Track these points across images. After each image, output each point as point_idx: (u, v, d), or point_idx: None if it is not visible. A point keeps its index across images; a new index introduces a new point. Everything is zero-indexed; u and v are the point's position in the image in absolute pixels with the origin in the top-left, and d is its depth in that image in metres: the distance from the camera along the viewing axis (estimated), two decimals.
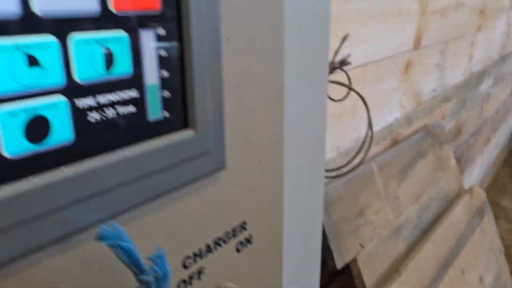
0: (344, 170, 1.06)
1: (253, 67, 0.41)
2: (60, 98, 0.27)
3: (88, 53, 0.28)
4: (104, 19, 0.28)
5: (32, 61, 0.25)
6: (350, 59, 0.97)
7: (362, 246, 1.37)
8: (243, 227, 0.45)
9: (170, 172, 0.34)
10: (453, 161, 2.09)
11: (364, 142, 1.01)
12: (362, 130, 1.47)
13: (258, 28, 0.41)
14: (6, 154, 0.25)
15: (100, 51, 0.28)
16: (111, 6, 0.28)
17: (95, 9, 0.27)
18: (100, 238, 0.28)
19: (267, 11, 0.41)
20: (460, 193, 2.10)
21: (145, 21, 0.30)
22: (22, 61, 0.25)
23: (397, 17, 1.46)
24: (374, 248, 1.40)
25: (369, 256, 1.37)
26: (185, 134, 0.35)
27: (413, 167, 1.74)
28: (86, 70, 0.28)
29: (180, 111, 0.34)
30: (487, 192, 2.57)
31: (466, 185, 2.34)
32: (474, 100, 2.71)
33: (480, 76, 2.70)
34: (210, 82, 0.35)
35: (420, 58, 1.75)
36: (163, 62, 0.32)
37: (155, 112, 0.33)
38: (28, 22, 0.25)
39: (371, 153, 1.57)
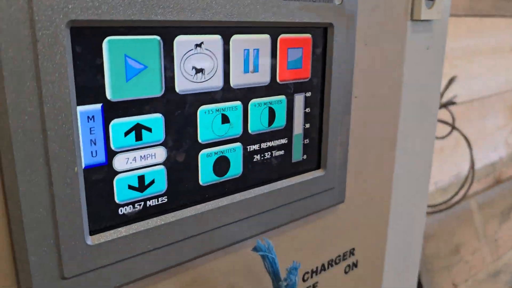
0: (442, 206, 1.12)
1: (373, 118, 0.51)
2: (238, 144, 0.39)
3: (259, 112, 0.39)
4: (272, 87, 0.40)
5: (225, 119, 0.37)
6: (455, 100, 1.03)
7: (455, 286, 1.39)
8: (352, 252, 0.55)
9: (304, 202, 0.45)
10: None
11: (465, 181, 1.06)
12: (462, 166, 1.50)
13: (380, 86, 0.51)
14: (201, 183, 0.37)
15: (267, 111, 0.40)
16: (278, 78, 0.40)
17: (267, 80, 0.39)
18: (256, 249, 0.39)
19: (389, 72, 0.51)
20: None
21: (298, 87, 0.42)
22: (220, 119, 0.37)
23: (508, 51, 1.48)
24: None
25: None
26: (317, 173, 0.45)
27: None
28: (256, 124, 0.39)
29: (315, 155, 0.45)
30: None
31: None
32: None
33: None
34: (340, 132, 0.45)
35: None
36: (307, 117, 0.43)
37: (297, 155, 0.44)
38: (226, 92, 0.37)
39: (471, 190, 1.59)
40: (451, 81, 0.92)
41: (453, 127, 0.97)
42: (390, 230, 0.59)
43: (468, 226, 1.53)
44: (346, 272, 0.55)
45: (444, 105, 0.98)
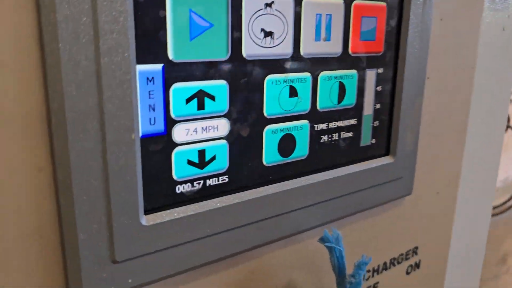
0: (494, 211, 1.05)
1: (444, 102, 0.46)
2: (305, 122, 0.35)
3: (329, 87, 0.35)
4: (343, 59, 0.35)
5: (293, 92, 0.33)
6: None
7: None
8: (415, 251, 0.50)
9: (371, 191, 0.40)
10: None
11: None
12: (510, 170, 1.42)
13: (453, 67, 0.46)
14: (264, 163, 0.33)
15: (337, 86, 0.36)
16: (350, 49, 0.35)
17: (339, 51, 0.35)
18: (323, 240, 0.35)
19: (463, 52, 0.46)
20: None
21: (370, 61, 0.37)
22: (287, 91, 0.33)
23: None
24: None
25: None
26: (387, 159, 0.41)
27: None
28: (325, 101, 0.35)
29: (384, 140, 0.41)
30: None
31: None
32: None
33: None
34: (412, 115, 0.41)
35: None
36: (377, 96, 0.39)
37: (366, 138, 0.39)
38: (295, 61, 0.32)
39: None
40: None
41: (508, 126, 0.91)
42: (455, 229, 0.54)
43: None
44: (408, 273, 0.51)
45: None
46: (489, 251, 1.36)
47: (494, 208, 1.03)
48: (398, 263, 0.49)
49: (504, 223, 1.40)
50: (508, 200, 1.00)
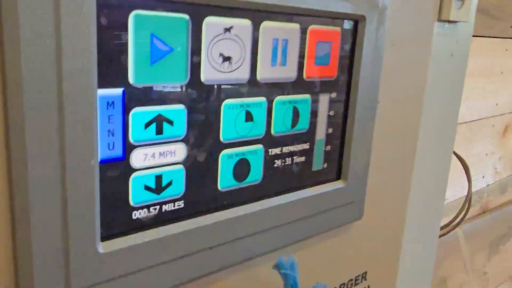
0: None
1: (394, 127, 0.50)
2: (260, 147, 0.37)
3: (283, 112, 0.37)
4: (298, 84, 0.38)
5: (249, 117, 0.35)
6: None
7: None
8: (364, 277, 0.53)
9: (323, 216, 0.43)
10: None
11: (462, 208, 1.06)
12: (449, 193, 1.51)
13: (403, 92, 0.50)
14: (220, 188, 0.35)
15: (291, 111, 0.38)
16: (304, 74, 0.38)
17: (294, 75, 0.37)
18: (278, 267, 0.37)
19: (413, 77, 0.50)
20: None
21: (324, 86, 0.40)
22: (243, 116, 0.35)
23: (499, 76, 1.52)
24: None
25: None
26: (338, 184, 0.44)
27: (507, 242, 1.75)
28: (279, 125, 0.38)
29: (336, 164, 0.43)
30: None
31: None
32: None
33: None
34: (363, 140, 0.44)
35: None
36: (330, 121, 0.42)
37: (318, 163, 0.42)
38: (251, 86, 0.35)
39: (457, 219, 1.60)
40: None
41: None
42: (403, 253, 0.58)
43: (455, 257, 1.54)
44: None
45: None
46: None
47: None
48: None
49: (443, 244, 1.48)
50: (448, 223, 1.06)
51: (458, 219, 1.09)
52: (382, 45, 0.43)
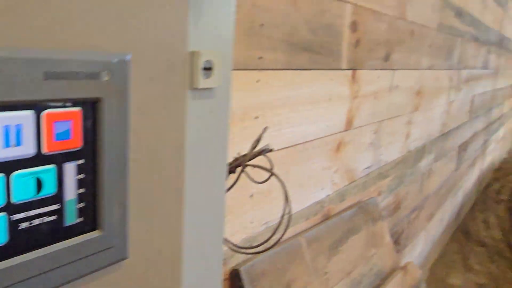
0: (272, 243, 1.22)
1: (156, 177, 0.57)
2: (3, 214, 0.42)
3: (24, 182, 0.43)
4: (38, 158, 0.44)
5: None
6: (271, 147, 1.15)
7: None
8: None
9: (80, 263, 0.49)
10: (387, 237, 2.29)
11: (282, 218, 1.17)
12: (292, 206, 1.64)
13: (161, 149, 0.57)
14: None
15: (34, 180, 0.44)
16: (44, 149, 0.44)
17: (32, 152, 0.43)
18: None
19: (170, 135, 0.58)
20: (394, 270, 2.29)
21: (69, 155, 0.46)
22: None
23: (327, 102, 1.68)
24: None
25: None
26: (95, 233, 0.50)
27: (344, 243, 1.92)
28: (21, 194, 0.43)
29: (91, 217, 0.50)
30: (434, 268, 2.75)
31: (410, 261, 2.53)
32: (414, 176, 2.97)
33: (419, 152, 2.98)
34: (118, 194, 0.51)
35: (353, 138, 1.97)
36: (80, 182, 0.48)
37: (71, 219, 0.48)
38: None
39: (300, 228, 1.73)
40: (262, 132, 1.03)
41: (272, 173, 1.07)
42: (184, 278, 0.65)
43: (299, 262, 1.66)
44: None
45: (259, 153, 1.08)
46: (274, 280, 1.54)
47: (264, 242, 1.20)
48: None
49: (286, 252, 1.60)
50: (275, 233, 1.17)
51: (283, 228, 1.21)
52: (126, 116, 0.50)
